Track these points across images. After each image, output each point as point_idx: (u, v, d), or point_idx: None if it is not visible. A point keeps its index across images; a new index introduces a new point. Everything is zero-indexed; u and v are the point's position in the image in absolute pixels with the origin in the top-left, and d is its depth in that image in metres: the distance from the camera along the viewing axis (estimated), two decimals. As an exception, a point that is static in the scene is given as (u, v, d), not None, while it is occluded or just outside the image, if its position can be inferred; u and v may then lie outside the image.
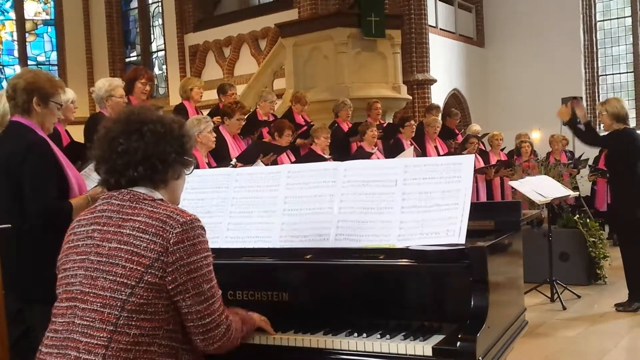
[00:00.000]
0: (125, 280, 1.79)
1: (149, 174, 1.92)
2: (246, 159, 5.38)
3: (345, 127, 7.84)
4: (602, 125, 6.19)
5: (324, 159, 6.28)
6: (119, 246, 1.82)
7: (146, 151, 1.90)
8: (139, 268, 1.79)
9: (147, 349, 1.79)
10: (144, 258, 1.79)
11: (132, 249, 1.81)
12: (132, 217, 1.85)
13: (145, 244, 1.80)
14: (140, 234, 1.82)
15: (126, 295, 1.78)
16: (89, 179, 3.35)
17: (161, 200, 1.92)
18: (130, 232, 1.83)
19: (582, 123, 5.93)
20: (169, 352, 1.84)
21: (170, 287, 1.81)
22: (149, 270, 1.79)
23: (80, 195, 2.96)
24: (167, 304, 1.82)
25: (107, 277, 1.80)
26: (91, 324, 1.79)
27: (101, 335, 1.77)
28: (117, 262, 1.81)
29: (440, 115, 9.56)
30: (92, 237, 1.88)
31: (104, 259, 1.83)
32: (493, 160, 9.15)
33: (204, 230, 1.90)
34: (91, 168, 3.53)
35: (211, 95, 10.26)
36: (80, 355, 1.78)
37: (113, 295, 1.79)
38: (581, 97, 11.33)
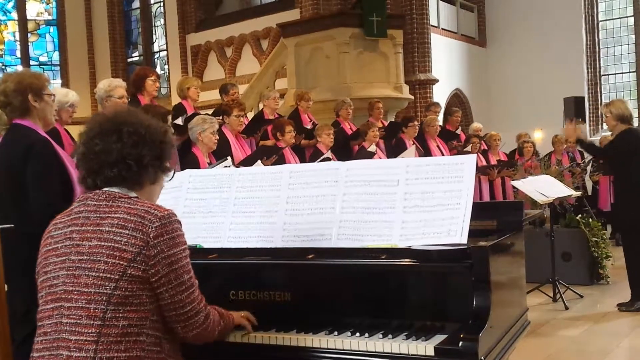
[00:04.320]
0: (108, 275, 1.80)
1: (123, 175, 1.93)
2: (249, 165, 5.40)
3: (347, 126, 7.84)
4: (606, 126, 6.26)
5: (329, 159, 6.29)
6: (99, 243, 1.84)
7: (122, 152, 1.92)
8: (121, 262, 1.81)
9: (137, 339, 1.81)
10: (126, 252, 1.81)
11: (112, 244, 1.83)
12: (109, 215, 1.87)
13: (125, 239, 1.82)
14: (120, 230, 1.84)
15: (111, 289, 1.80)
16: None
17: (136, 197, 1.94)
18: (110, 229, 1.84)
19: (586, 143, 6.29)
20: (155, 341, 1.86)
21: (153, 280, 1.84)
22: (132, 264, 1.81)
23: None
24: (150, 295, 1.85)
25: (90, 273, 1.82)
26: (78, 321, 1.80)
27: (90, 331, 1.78)
28: (98, 258, 1.82)
29: (440, 113, 9.54)
30: (71, 238, 1.89)
31: (85, 257, 1.84)
32: (492, 160, 9.14)
33: (181, 224, 1.93)
34: None
35: (213, 96, 10.29)
36: (72, 353, 1.79)
37: (98, 290, 1.80)
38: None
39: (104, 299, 1.79)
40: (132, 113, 2.03)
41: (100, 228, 1.86)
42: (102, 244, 1.83)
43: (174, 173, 2.11)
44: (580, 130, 6.45)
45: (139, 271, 1.82)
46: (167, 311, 1.89)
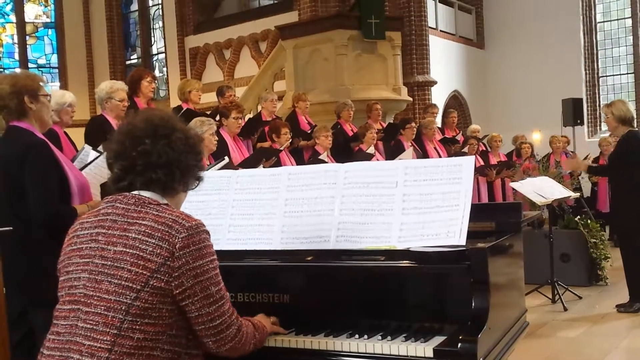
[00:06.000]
0: (130, 284, 1.78)
1: (165, 181, 1.91)
2: (249, 166, 5.41)
3: (348, 127, 7.85)
4: (606, 127, 6.25)
5: (326, 162, 6.30)
6: (124, 250, 1.81)
7: (171, 158, 1.91)
8: (144, 272, 1.78)
9: (150, 354, 1.79)
10: (150, 262, 1.78)
11: (137, 252, 1.79)
12: (137, 221, 1.84)
13: (151, 248, 1.79)
14: (146, 238, 1.80)
15: (131, 299, 1.77)
16: (84, 164, 3.36)
17: (166, 204, 1.92)
18: (136, 236, 1.81)
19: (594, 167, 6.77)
20: (172, 356, 1.83)
21: (176, 292, 1.80)
22: (155, 275, 1.78)
23: (81, 194, 2.96)
24: (171, 309, 1.82)
25: (112, 280, 1.79)
26: (94, 327, 1.78)
27: (105, 338, 1.76)
28: (122, 265, 1.79)
29: (439, 115, 9.55)
30: (97, 240, 1.86)
31: (109, 263, 1.81)
32: (493, 161, 9.15)
33: (209, 235, 1.89)
34: (86, 153, 3.53)
35: (212, 98, 10.29)
36: (83, 358, 1.77)
37: (118, 299, 1.78)
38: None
39: (123, 308, 1.77)
40: (175, 118, 2.03)
41: (127, 234, 1.83)
42: (127, 250, 1.80)
43: (198, 182, 2.07)
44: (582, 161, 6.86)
45: (161, 282, 1.78)
46: (195, 325, 1.85)
